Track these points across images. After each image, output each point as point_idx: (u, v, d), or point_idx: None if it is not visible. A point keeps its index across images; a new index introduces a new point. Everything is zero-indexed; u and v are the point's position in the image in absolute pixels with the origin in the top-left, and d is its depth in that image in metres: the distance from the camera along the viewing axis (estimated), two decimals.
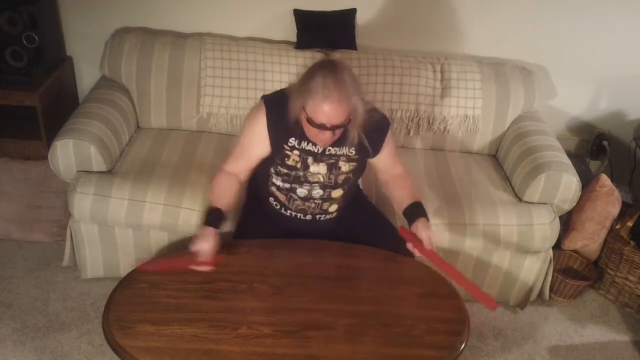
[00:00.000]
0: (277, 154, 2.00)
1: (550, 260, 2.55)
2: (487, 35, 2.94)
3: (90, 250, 2.45)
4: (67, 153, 2.35)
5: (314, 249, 2.04)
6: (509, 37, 2.95)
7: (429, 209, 2.33)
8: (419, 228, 1.98)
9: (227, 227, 2.27)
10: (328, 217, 2.12)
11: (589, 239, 2.71)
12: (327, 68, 1.81)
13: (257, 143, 2.00)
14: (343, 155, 2.01)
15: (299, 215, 2.09)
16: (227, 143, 2.61)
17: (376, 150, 2.08)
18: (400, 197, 2.12)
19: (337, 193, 2.07)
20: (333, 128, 1.83)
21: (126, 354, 1.62)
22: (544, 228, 2.42)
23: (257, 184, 2.19)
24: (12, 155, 2.85)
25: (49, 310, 2.41)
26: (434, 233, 2.01)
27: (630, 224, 2.69)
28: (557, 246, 2.56)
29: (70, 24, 2.96)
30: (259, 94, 2.07)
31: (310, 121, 1.83)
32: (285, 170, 2.01)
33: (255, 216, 2.19)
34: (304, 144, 1.99)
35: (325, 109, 1.79)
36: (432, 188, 2.53)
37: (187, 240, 2.09)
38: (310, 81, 1.80)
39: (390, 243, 2.08)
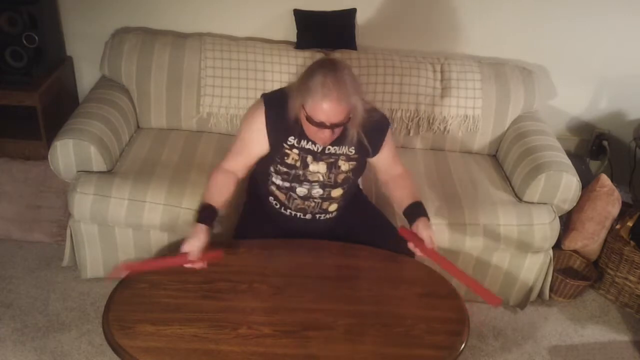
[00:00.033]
0: (276, 153, 2.00)
1: (550, 260, 2.56)
2: (487, 35, 2.95)
3: (90, 250, 2.45)
4: (67, 153, 2.35)
5: (314, 249, 2.04)
6: (509, 37, 2.95)
7: (429, 209, 2.33)
8: (420, 227, 1.98)
9: (226, 227, 2.28)
10: (328, 216, 2.12)
11: (589, 239, 2.71)
12: (326, 67, 1.82)
13: (255, 141, 2.00)
14: (343, 154, 2.02)
15: (298, 214, 2.09)
16: (227, 143, 2.60)
17: (376, 150, 2.08)
18: (400, 197, 2.12)
19: (336, 192, 2.07)
20: (332, 126, 1.83)
21: (126, 354, 1.62)
22: (544, 228, 2.42)
23: (256, 183, 2.19)
24: (12, 155, 2.85)
25: (49, 310, 2.41)
26: (434, 232, 2.01)
27: (630, 224, 2.69)
28: (557, 246, 2.56)
29: (70, 24, 2.96)
30: (259, 94, 2.07)
31: (309, 119, 1.83)
32: (285, 169, 2.01)
33: (255, 216, 2.19)
34: (303, 143, 1.99)
35: (324, 108, 1.79)
36: (432, 188, 2.53)
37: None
38: (310, 80, 1.80)
39: (390, 243, 2.08)
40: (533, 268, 2.54)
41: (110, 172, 2.42)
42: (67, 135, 2.35)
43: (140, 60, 2.69)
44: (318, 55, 2.77)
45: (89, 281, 2.53)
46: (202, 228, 1.88)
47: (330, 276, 1.97)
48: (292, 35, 2.86)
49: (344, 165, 2.03)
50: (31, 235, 2.71)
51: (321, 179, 2.02)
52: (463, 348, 1.73)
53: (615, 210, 2.73)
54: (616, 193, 2.75)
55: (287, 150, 2.00)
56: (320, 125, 1.82)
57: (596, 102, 3.14)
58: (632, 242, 2.64)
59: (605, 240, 2.75)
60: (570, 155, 2.74)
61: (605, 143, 3.14)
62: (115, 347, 1.64)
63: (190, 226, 1.94)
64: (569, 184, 2.46)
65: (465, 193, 2.52)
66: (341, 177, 2.04)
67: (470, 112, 2.77)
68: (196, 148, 2.63)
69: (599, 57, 3.00)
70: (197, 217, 1.93)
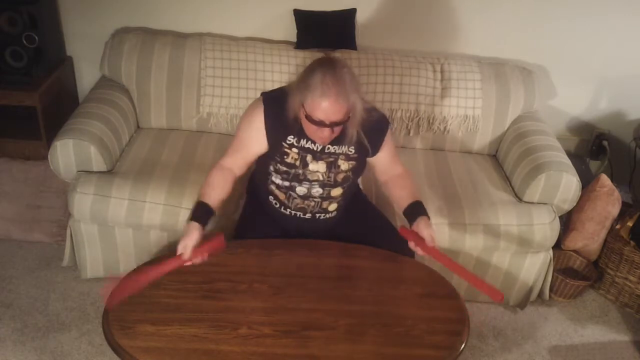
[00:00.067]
0: (275, 152, 2.00)
1: (550, 260, 2.56)
2: (487, 35, 2.95)
3: (90, 250, 2.45)
4: (67, 153, 2.35)
5: (314, 249, 2.04)
6: (509, 37, 2.95)
7: (430, 209, 2.32)
8: (421, 226, 1.97)
9: (223, 227, 2.28)
10: (328, 216, 2.12)
11: (589, 239, 2.71)
12: (326, 65, 1.82)
13: (254, 139, 2.00)
14: (342, 153, 2.02)
15: (298, 214, 2.09)
16: (227, 143, 2.57)
17: (375, 149, 2.08)
18: (400, 196, 2.11)
19: (336, 192, 2.07)
20: (332, 125, 1.83)
21: (126, 354, 1.61)
22: (544, 228, 2.42)
23: (256, 182, 2.19)
24: (12, 155, 2.85)
25: (49, 310, 2.41)
26: (435, 231, 2.00)
27: (630, 224, 2.69)
28: (557, 246, 2.56)
29: (70, 24, 2.96)
30: (259, 94, 2.07)
31: (309, 118, 1.83)
32: (285, 168, 2.01)
33: (255, 216, 2.19)
34: (303, 142, 1.99)
35: (323, 106, 1.79)
36: (432, 188, 2.53)
37: None
38: (309, 78, 1.80)
39: (390, 243, 2.08)
40: (533, 268, 2.54)
41: (110, 172, 2.42)
42: (67, 135, 2.35)
43: (140, 60, 2.69)
44: (318, 56, 2.76)
45: (89, 281, 2.53)
46: (195, 226, 1.85)
47: (330, 276, 1.98)
48: (292, 35, 2.86)
49: (344, 165, 2.03)
50: (31, 235, 2.71)
51: (321, 178, 2.02)
52: (463, 348, 1.73)
53: (615, 210, 2.73)
54: (616, 193, 2.75)
55: (286, 150, 1.99)
56: (320, 123, 1.82)
57: (596, 102, 3.14)
58: (632, 242, 2.64)
59: (605, 240, 2.75)
60: (570, 155, 2.75)
61: (605, 143, 3.14)
62: (115, 347, 1.64)
63: (185, 224, 1.91)
64: (569, 184, 2.46)
65: (465, 193, 2.52)
66: (341, 176, 2.04)
67: (470, 112, 2.77)
68: (196, 148, 2.63)
69: (599, 57, 3.00)
70: (190, 215, 1.91)
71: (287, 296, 1.83)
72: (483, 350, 2.43)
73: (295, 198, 2.06)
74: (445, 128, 2.79)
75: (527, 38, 2.95)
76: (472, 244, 2.41)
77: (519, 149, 2.64)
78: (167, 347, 1.63)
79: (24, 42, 2.68)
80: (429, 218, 2.02)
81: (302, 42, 2.83)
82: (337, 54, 2.79)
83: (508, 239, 2.41)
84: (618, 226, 2.70)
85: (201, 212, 1.91)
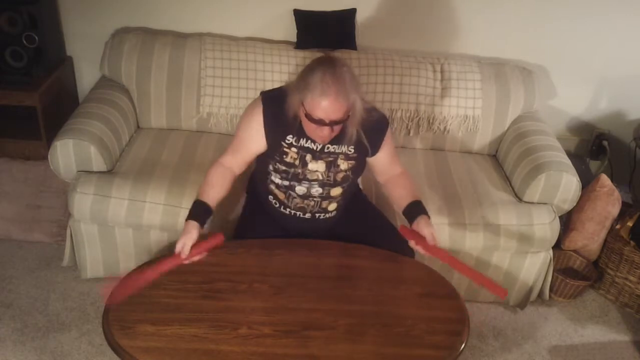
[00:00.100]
0: (274, 151, 2.00)
1: (550, 260, 2.56)
2: (487, 35, 2.94)
3: (90, 250, 2.45)
4: (67, 153, 2.35)
5: (314, 249, 2.04)
6: (509, 37, 2.95)
7: (430, 209, 2.32)
8: (421, 225, 1.97)
9: (222, 227, 2.28)
10: (327, 215, 2.12)
11: (589, 239, 2.71)
12: (326, 64, 1.82)
13: (253, 138, 2.00)
14: (342, 153, 2.02)
15: (298, 213, 2.09)
16: (227, 143, 2.57)
17: (375, 149, 2.08)
18: (399, 196, 2.11)
19: (336, 191, 2.07)
20: (331, 124, 1.83)
21: (126, 354, 1.61)
22: (544, 228, 2.42)
23: (256, 182, 2.19)
24: (12, 155, 2.85)
25: (49, 310, 2.41)
26: (435, 230, 2.00)
27: (630, 224, 2.69)
28: (557, 246, 2.56)
29: (70, 24, 2.96)
30: (259, 94, 2.07)
31: (308, 116, 1.83)
32: (284, 168, 2.01)
33: (255, 216, 2.19)
34: (302, 142, 1.99)
35: (323, 104, 1.79)
36: (432, 188, 2.53)
37: None
38: (309, 77, 1.80)
39: (390, 243, 2.08)
40: (533, 268, 2.54)
41: (110, 172, 2.42)
42: (67, 135, 2.35)
43: (140, 60, 2.69)
44: (318, 55, 2.77)
45: (89, 281, 2.53)
46: (194, 225, 1.86)
47: (330, 276, 1.98)
48: (292, 35, 2.86)
49: (343, 164, 2.03)
50: (31, 235, 2.71)
51: (320, 177, 2.02)
52: (463, 348, 1.73)
53: (615, 210, 2.73)
54: (616, 193, 2.75)
55: (285, 149, 2.00)
56: (319, 122, 1.82)
57: (596, 102, 3.14)
58: (632, 242, 2.64)
59: (605, 240, 2.75)
60: (570, 155, 2.75)
61: (605, 143, 3.14)
62: (115, 347, 1.64)
63: (184, 222, 1.91)
64: (569, 184, 2.46)
65: (465, 193, 2.52)
66: (340, 176, 2.04)
67: (470, 112, 2.77)
68: (196, 148, 2.63)
69: (599, 57, 3.00)
70: (189, 214, 1.91)
71: (287, 296, 1.83)
72: (483, 350, 2.43)
73: (295, 197, 2.06)
74: (445, 128, 2.79)
75: (528, 38, 2.95)
76: (472, 244, 2.41)
77: (519, 149, 2.64)
78: (167, 347, 1.63)
79: (24, 42, 2.68)
80: (429, 217, 2.02)
81: (302, 42, 2.83)
82: (337, 54, 2.79)
83: (508, 239, 2.41)
84: (618, 226, 2.70)
85: (200, 211, 1.91)
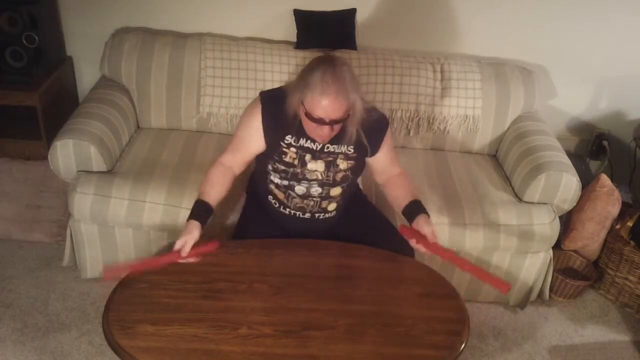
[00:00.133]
0: (273, 151, 2.01)
1: (550, 260, 2.56)
2: (487, 35, 2.95)
3: (90, 250, 2.45)
4: (67, 153, 2.35)
5: (314, 249, 2.04)
6: (509, 37, 2.95)
7: (430, 209, 2.32)
8: (421, 223, 1.97)
9: (222, 227, 2.28)
10: (327, 215, 2.12)
11: (589, 239, 2.71)
12: (326, 63, 1.82)
13: (253, 138, 2.00)
14: (341, 153, 2.02)
15: (298, 213, 2.09)
16: (227, 143, 2.59)
17: (375, 149, 2.08)
18: (399, 196, 2.11)
19: (335, 191, 2.07)
20: (331, 123, 1.83)
21: (126, 354, 1.61)
22: (544, 228, 2.42)
23: (256, 182, 2.19)
24: (12, 155, 2.85)
25: (49, 310, 2.41)
26: (435, 228, 2.00)
27: (630, 224, 2.69)
28: (557, 246, 2.56)
29: (70, 24, 2.96)
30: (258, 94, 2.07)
31: (308, 115, 1.83)
32: (283, 167, 2.01)
33: (255, 216, 2.19)
34: (302, 141, 1.99)
35: (323, 103, 1.79)
36: (432, 188, 2.53)
37: None
38: (309, 76, 1.80)
39: (390, 243, 2.08)
40: (533, 268, 2.54)
41: (110, 172, 2.42)
42: (67, 135, 2.35)
43: (140, 60, 2.69)
44: (318, 55, 2.77)
45: (89, 281, 2.53)
46: (195, 225, 1.88)
47: (330, 276, 1.97)
48: (292, 35, 2.86)
49: (343, 164, 2.03)
50: (31, 235, 2.71)
51: (320, 177, 2.02)
52: (463, 348, 1.73)
53: (615, 210, 2.73)
54: (616, 193, 2.75)
55: (284, 149, 2.00)
56: (319, 121, 1.83)
57: (596, 102, 3.14)
58: (632, 242, 2.64)
59: (605, 240, 2.75)
60: (570, 155, 2.75)
61: (605, 143, 3.14)
62: (115, 347, 1.64)
63: (185, 222, 1.93)
64: (569, 184, 2.46)
65: (465, 193, 2.52)
66: (340, 175, 2.04)
67: (470, 112, 2.77)
68: (196, 148, 2.63)
69: (599, 57, 3.00)
70: (190, 214, 1.93)
71: (287, 296, 1.83)
72: (483, 350, 2.43)
73: (295, 197, 2.06)
74: (445, 128, 2.79)
75: (527, 38, 2.95)
76: (472, 244, 2.41)
77: (519, 149, 2.64)
78: (167, 347, 1.63)
79: (24, 42, 2.68)
80: (428, 216, 2.02)
81: (302, 42, 2.83)
82: (337, 54, 2.79)
83: (508, 239, 2.41)
84: (618, 226, 2.70)
85: (201, 211, 1.93)
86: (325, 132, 1.86)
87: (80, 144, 2.34)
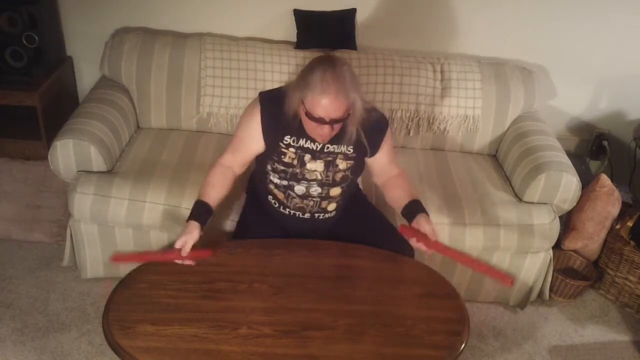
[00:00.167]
0: (272, 151, 2.01)
1: (550, 260, 2.56)
2: (487, 35, 2.95)
3: (90, 250, 2.45)
4: (67, 153, 2.35)
5: (313, 249, 2.04)
6: (509, 37, 2.95)
7: (430, 209, 2.32)
8: (421, 222, 1.97)
9: (222, 227, 2.28)
10: (327, 215, 2.12)
11: (589, 239, 2.71)
12: (326, 63, 1.82)
13: (252, 138, 2.00)
14: (341, 153, 2.02)
15: (297, 213, 2.09)
16: (227, 143, 2.59)
17: (374, 150, 2.08)
18: (398, 197, 2.11)
19: (335, 191, 2.07)
20: (331, 122, 1.83)
21: (126, 354, 1.61)
22: (544, 228, 2.42)
23: (256, 182, 2.19)
24: (12, 155, 2.85)
25: (49, 310, 2.41)
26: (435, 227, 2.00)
27: (630, 224, 2.69)
28: (557, 246, 2.56)
29: (70, 24, 2.96)
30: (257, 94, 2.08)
31: (309, 115, 1.84)
32: (282, 167, 2.01)
33: (254, 216, 2.19)
34: (302, 142, 1.99)
35: (323, 103, 1.79)
36: (432, 188, 2.53)
37: None
38: (309, 75, 1.81)
39: (390, 243, 2.08)
40: (533, 268, 2.54)
41: (110, 172, 2.42)
42: (67, 135, 2.35)
43: (140, 60, 2.69)
44: (318, 55, 2.77)
45: (89, 281, 2.53)
46: (195, 225, 1.89)
47: (330, 276, 1.97)
48: (292, 35, 2.86)
49: (342, 164, 2.03)
50: (31, 235, 2.71)
51: (319, 177, 2.02)
52: (463, 348, 1.73)
53: (615, 210, 2.73)
54: (616, 193, 2.75)
55: (283, 149, 2.00)
56: (320, 120, 1.83)
57: (596, 102, 3.14)
58: (632, 242, 2.64)
59: (605, 240, 2.75)
60: (570, 155, 2.75)
61: (605, 143, 3.14)
62: (115, 347, 1.64)
63: (185, 222, 1.94)
64: (569, 184, 2.46)
65: (465, 193, 2.52)
66: (339, 175, 2.04)
67: (470, 112, 2.77)
68: (196, 148, 2.63)
69: (599, 57, 3.00)
70: (190, 214, 1.94)
71: (287, 296, 1.83)
72: (483, 350, 2.43)
73: (294, 197, 2.06)
74: (445, 128, 2.79)
75: (527, 38, 2.95)
76: (472, 244, 2.41)
77: (519, 149, 2.64)
78: (167, 347, 1.63)
79: (24, 42, 2.68)
80: (427, 215, 2.02)
81: (302, 42, 2.83)
82: (337, 54, 2.79)
83: (508, 239, 2.41)
84: (618, 226, 2.70)
85: (201, 212, 1.94)
86: (325, 131, 1.86)
87: (80, 144, 2.34)
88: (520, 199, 2.54)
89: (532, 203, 2.51)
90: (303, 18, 2.83)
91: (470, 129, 2.80)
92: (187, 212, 2.28)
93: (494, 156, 2.88)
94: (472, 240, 2.40)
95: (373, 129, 2.01)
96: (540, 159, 2.51)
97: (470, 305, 2.49)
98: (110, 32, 2.92)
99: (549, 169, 2.46)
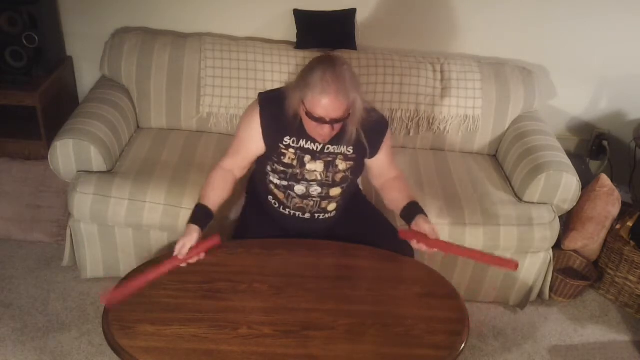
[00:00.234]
0: (272, 152, 2.01)
1: (550, 260, 2.56)
2: (487, 35, 2.95)
3: (90, 250, 2.45)
4: (67, 153, 2.35)
5: (313, 249, 2.04)
6: (509, 37, 2.95)
7: (430, 209, 2.34)
8: (420, 223, 1.97)
9: (223, 227, 2.28)
10: (327, 216, 2.12)
11: (589, 239, 2.71)
12: (326, 63, 1.82)
13: (252, 139, 2.01)
14: (341, 153, 2.02)
15: (297, 213, 2.09)
16: (227, 143, 2.58)
17: (374, 151, 2.08)
18: (396, 199, 2.11)
19: (335, 191, 2.07)
20: (332, 122, 1.83)
21: (126, 354, 1.61)
22: (544, 228, 2.42)
23: (255, 182, 2.19)
24: (12, 155, 2.85)
25: (49, 310, 2.41)
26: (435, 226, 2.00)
27: (630, 224, 2.69)
28: (557, 246, 2.56)
29: (70, 24, 2.96)
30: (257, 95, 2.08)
31: (309, 115, 1.84)
32: (282, 168, 2.01)
33: (254, 216, 2.19)
34: (302, 142, 1.99)
35: (323, 103, 1.79)
36: (432, 188, 2.53)
37: None
38: (310, 75, 1.81)
39: (390, 243, 2.08)
40: (533, 268, 2.54)
41: (110, 172, 2.42)
42: (67, 135, 2.35)
43: (140, 60, 2.69)
44: (318, 55, 2.77)
45: (89, 281, 2.53)
46: (195, 229, 1.90)
47: (330, 276, 1.97)
48: (292, 35, 2.87)
49: (342, 165, 2.03)
50: (31, 235, 2.71)
51: (319, 177, 2.02)
52: (463, 348, 1.73)
53: (615, 210, 2.73)
54: (616, 193, 2.75)
55: (283, 150, 2.00)
56: (320, 120, 1.83)
57: (596, 102, 3.14)
58: (632, 242, 2.64)
59: (605, 240, 2.75)
60: (570, 155, 2.75)
61: (605, 143, 3.14)
62: (115, 347, 1.64)
63: (185, 225, 1.94)
64: (569, 184, 2.46)
65: (465, 193, 2.52)
66: (339, 176, 2.04)
67: (470, 112, 2.77)
68: (196, 148, 2.63)
69: (599, 57, 3.00)
70: (190, 217, 1.94)
71: (287, 296, 1.83)
72: (483, 350, 2.43)
73: (294, 197, 2.06)
74: (445, 128, 2.79)
75: (527, 38, 2.95)
76: (472, 243, 2.40)
77: (519, 149, 2.64)
78: (167, 347, 1.63)
79: (24, 42, 2.68)
80: (426, 216, 2.02)
81: (302, 42, 2.83)
82: (337, 54, 2.79)
83: (508, 239, 2.41)
84: (618, 226, 2.70)
85: (201, 215, 1.95)
86: (325, 131, 1.86)
87: (80, 144, 2.34)
88: (520, 199, 2.54)
89: (532, 203, 2.51)
90: (303, 18, 2.83)
91: (470, 129, 2.80)
92: (187, 212, 2.28)
93: (494, 156, 2.88)
94: (472, 240, 2.40)
95: (373, 130, 2.01)
96: (540, 159, 2.51)
97: (470, 305, 2.49)
98: (110, 32, 2.92)
99: (549, 169, 2.46)
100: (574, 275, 2.74)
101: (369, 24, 2.91)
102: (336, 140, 1.97)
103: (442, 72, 2.79)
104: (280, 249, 2.03)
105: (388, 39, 2.95)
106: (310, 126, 1.89)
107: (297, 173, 2.01)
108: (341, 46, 2.85)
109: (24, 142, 2.84)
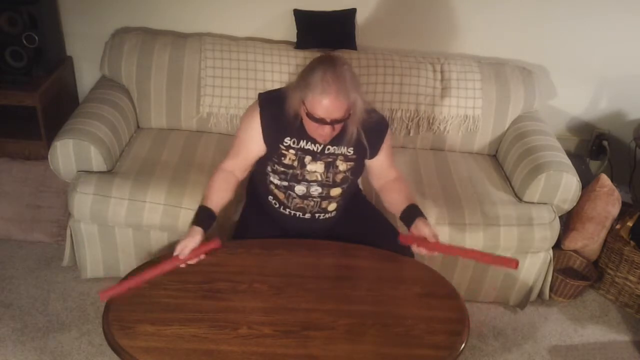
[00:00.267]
0: (272, 153, 2.01)
1: (550, 260, 2.56)
2: (487, 35, 2.95)
3: (90, 250, 2.45)
4: (67, 153, 2.35)
5: (313, 249, 2.04)
6: (509, 37, 2.95)
7: (430, 209, 2.34)
8: (419, 226, 1.97)
9: (224, 228, 2.28)
10: (327, 216, 2.12)
11: (589, 239, 2.71)
12: (326, 63, 1.82)
13: (253, 140, 2.01)
14: (341, 154, 2.02)
15: (298, 213, 2.09)
16: (227, 143, 2.60)
17: (374, 151, 2.08)
18: (396, 201, 2.11)
19: (335, 192, 2.07)
20: (332, 122, 1.83)
21: (126, 354, 1.61)
22: (544, 228, 2.42)
23: (256, 182, 2.20)
24: (12, 155, 2.85)
25: (49, 310, 2.41)
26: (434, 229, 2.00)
27: (630, 224, 2.69)
28: (557, 246, 2.56)
29: (70, 24, 2.96)
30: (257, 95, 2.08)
31: (309, 115, 1.84)
32: (282, 169, 2.01)
33: (255, 216, 2.19)
34: (302, 143, 1.99)
35: (324, 103, 1.79)
36: (432, 188, 2.53)
37: None
38: (310, 76, 1.81)
39: (390, 243, 2.07)
40: (533, 268, 2.54)
41: (110, 172, 2.42)
42: (67, 135, 2.35)
43: (140, 60, 2.69)
44: (318, 55, 2.77)
45: (89, 281, 2.53)
46: (197, 230, 1.90)
47: (330, 276, 1.97)
48: (292, 35, 2.86)
49: (342, 165, 2.03)
50: (31, 235, 2.71)
51: (319, 178, 2.02)
52: (463, 348, 1.73)
53: (615, 210, 2.73)
54: (616, 193, 2.75)
55: (283, 151, 2.00)
56: (320, 121, 1.83)
57: (596, 102, 3.14)
58: (632, 242, 2.64)
59: (605, 240, 2.75)
60: (570, 155, 2.75)
61: (605, 143, 3.14)
62: (115, 347, 1.64)
63: (188, 227, 1.95)
64: (569, 184, 2.46)
65: (465, 193, 2.52)
66: (339, 176, 2.04)
67: (470, 112, 2.77)
68: (196, 148, 2.63)
69: (599, 57, 3.00)
70: (194, 219, 1.95)
71: (287, 296, 1.83)
72: (483, 350, 2.43)
73: (295, 198, 2.06)
74: (445, 128, 2.79)
75: (527, 38, 2.95)
76: (472, 243, 2.40)
77: (519, 149, 2.64)
78: (167, 347, 1.63)
79: (24, 42, 2.68)
80: (426, 219, 2.02)
81: (302, 42, 2.83)
82: (337, 54, 2.79)
83: (508, 239, 2.41)
84: (618, 226, 2.70)
85: (204, 217, 1.95)
86: (326, 131, 1.86)
87: (80, 144, 2.34)
88: (520, 199, 2.54)
89: (532, 203, 2.51)
90: (303, 18, 2.83)
91: (470, 129, 2.80)
92: (187, 212, 2.29)
93: (494, 156, 2.88)
94: (472, 240, 2.40)
95: (373, 130, 2.01)
96: (540, 159, 2.51)
97: (470, 305, 2.49)
98: (110, 32, 2.92)
99: (549, 169, 2.46)
100: (574, 275, 2.74)
101: (369, 24, 2.91)
102: (336, 140, 1.97)
103: (442, 72, 2.79)
104: (280, 249, 2.03)
105: (388, 39, 2.95)
106: (310, 127, 1.89)
107: (298, 174, 2.01)
108: (341, 46, 2.85)
109: (24, 142, 2.84)
